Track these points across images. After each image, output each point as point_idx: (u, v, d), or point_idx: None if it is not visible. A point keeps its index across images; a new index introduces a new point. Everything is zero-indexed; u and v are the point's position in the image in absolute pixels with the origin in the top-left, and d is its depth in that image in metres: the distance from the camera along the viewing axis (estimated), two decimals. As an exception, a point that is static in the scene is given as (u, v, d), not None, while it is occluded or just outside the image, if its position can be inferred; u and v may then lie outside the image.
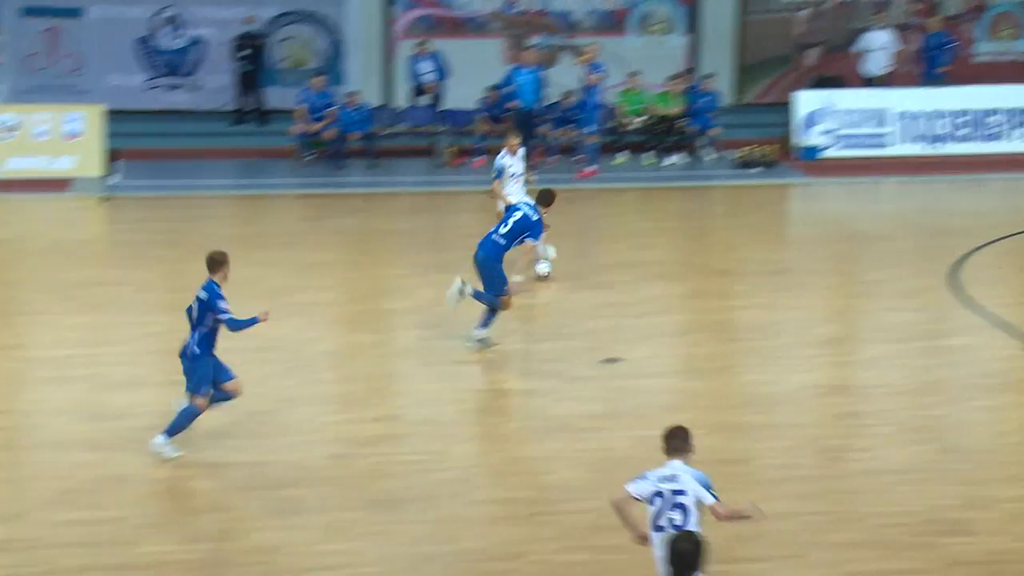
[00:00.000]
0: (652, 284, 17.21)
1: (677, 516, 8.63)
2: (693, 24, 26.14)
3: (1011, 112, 24.32)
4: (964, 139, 24.30)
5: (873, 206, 22.17)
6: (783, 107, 24.74)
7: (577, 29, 25.96)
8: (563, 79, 24.79)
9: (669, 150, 24.20)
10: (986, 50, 26.58)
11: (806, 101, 24.35)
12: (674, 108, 24.37)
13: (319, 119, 23.95)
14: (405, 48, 25.43)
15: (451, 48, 25.07)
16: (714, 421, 13.02)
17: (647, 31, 26.19)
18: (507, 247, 14.62)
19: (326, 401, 13.65)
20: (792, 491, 11.60)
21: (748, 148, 23.70)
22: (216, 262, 11.82)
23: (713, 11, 26.02)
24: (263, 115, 25.28)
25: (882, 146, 24.18)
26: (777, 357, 14.83)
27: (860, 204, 22.26)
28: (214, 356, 11.86)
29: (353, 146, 23.95)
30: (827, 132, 24.14)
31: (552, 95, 24.43)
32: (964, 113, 24.32)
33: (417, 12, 25.90)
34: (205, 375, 11.81)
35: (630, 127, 24.37)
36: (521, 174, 17.12)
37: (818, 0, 26.29)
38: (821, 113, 24.21)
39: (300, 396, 13.54)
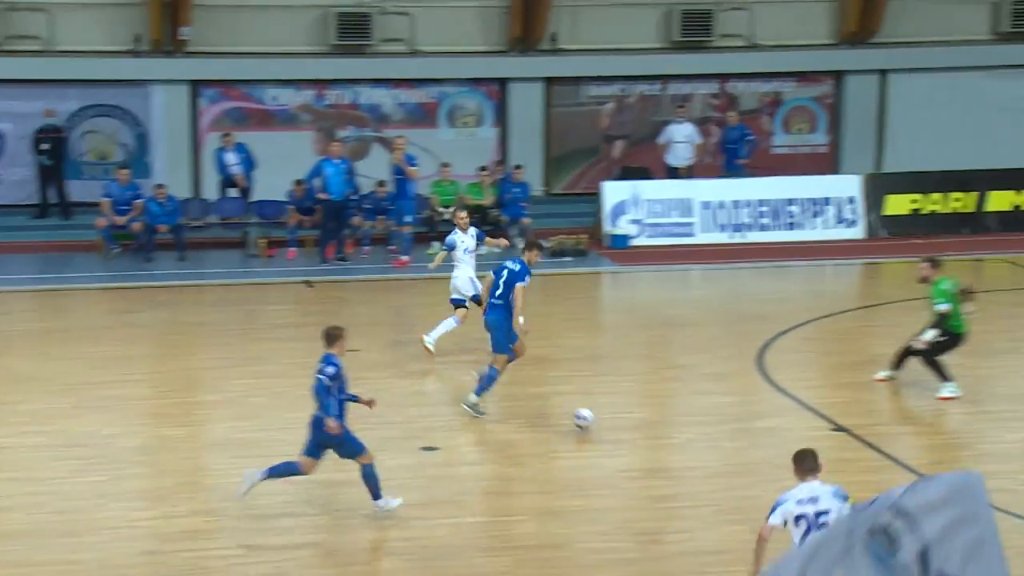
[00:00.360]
0: (467, 372, 17.21)
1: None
2: (502, 117, 26.53)
3: (808, 201, 25.19)
4: (765, 228, 25.07)
5: (682, 293, 22.65)
6: (592, 197, 25.23)
7: (388, 122, 26.10)
8: (375, 170, 24.90)
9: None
10: (782, 142, 27.54)
11: (613, 191, 24.88)
12: (486, 198, 24.65)
13: (124, 212, 23.56)
14: (213, 140, 25.22)
15: (262, 140, 24.98)
16: (532, 506, 13.04)
17: (457, 124, 26.48)
18: (508, 304, 15.43)
19: (137, 497, 13.26)
20: (611, 575, 11.65)
21: (559, 237, 24.05)
22: (333, 336, 12.20)
23: (521, 104, 26.46)
24: (67, 208, 24.73)
25: (688, 235, 24.78)
26: (593, 442, 14.94)
27: (669, 291, 22.72)
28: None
29: (162, 239, 23.58)
30: (635, 221, 24.66)
31: (365, 186, 24.50)
32: (764, 203, 25.10)
33: (225, 105, 25.73)
34: (353, 439, 12.32)
35: (443, 217, 24.54)
36: (473, 250, 17.72)
37: (622, 94, 26.96)
38: (628, 203, 24.73)
39: (110, 492, 13.13)
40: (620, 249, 24.28)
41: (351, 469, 14.16)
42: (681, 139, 25.81)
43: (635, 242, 24.50)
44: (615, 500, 13.33)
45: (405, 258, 23.33)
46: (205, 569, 11.59)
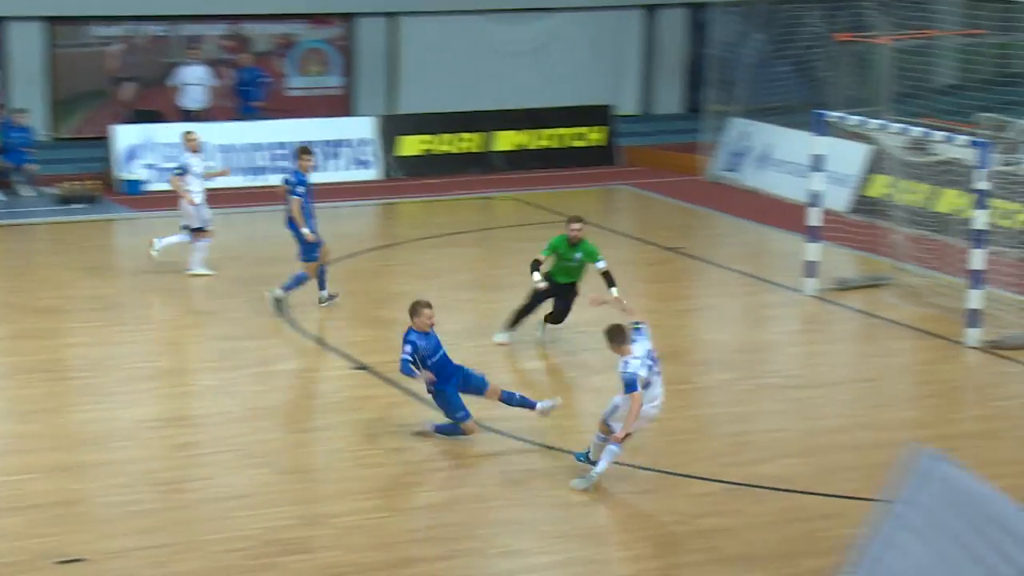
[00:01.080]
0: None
1: (657, 379, 11.72)
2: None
3: (324, 144, 25.31)
4: (282, 171, 24.98)
5: (199, 238, 22.23)
6: (102, 141, 24.34)
7: None
8: None
9: (-18, 188, 23.13)
10: (298, 85, 27.53)
11: (125, 135, 24.10)
12: (-15, 144, 23.32)
13: None
14: None
15: None
16: (47, 463, 12.58)
17: (-49, 64, 24.85)
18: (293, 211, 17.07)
19: None
20: (132, 527, 11.41)
21: (69, 184, 23.10)
22: (409, 312, 12.90)
23: (20, 44, 25.13)
24: None
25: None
26: (110, 393, 14.54)
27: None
28: (453, 388, 13.01)
29: None
30: (149, 166, 24.01)
31: None
32: (281, 145, 25.04)
33: None
34: (454, 402, 12.99)
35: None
36: (201, 173, 18.84)
37: (130, 34, 26.10)
38: (141, 147, 24.04)
39: None
40: (134, 195, 23.61)
41: None
42: (194, 81, 25.32)
43: (149, 187, 23.86)
44: (135, 451, 13.04)
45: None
46: None
